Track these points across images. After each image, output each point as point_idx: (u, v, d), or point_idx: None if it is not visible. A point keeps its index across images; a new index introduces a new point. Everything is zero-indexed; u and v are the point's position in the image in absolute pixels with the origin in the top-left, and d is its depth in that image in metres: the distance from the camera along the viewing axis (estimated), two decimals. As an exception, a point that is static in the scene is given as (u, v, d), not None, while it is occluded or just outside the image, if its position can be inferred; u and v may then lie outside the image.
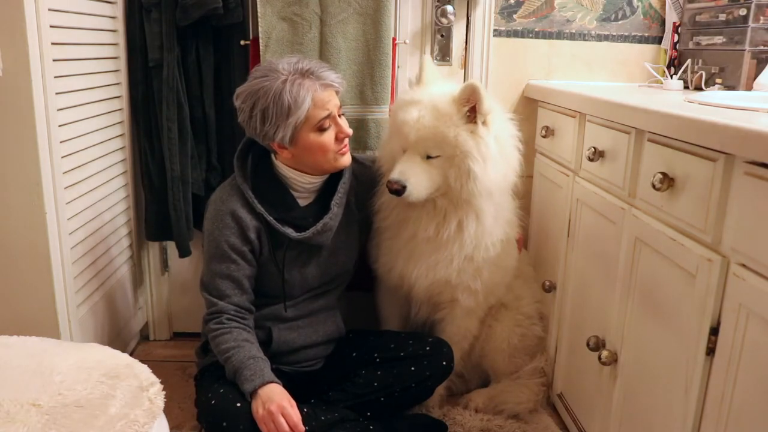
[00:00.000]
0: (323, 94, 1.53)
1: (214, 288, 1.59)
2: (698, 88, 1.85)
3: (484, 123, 1.58)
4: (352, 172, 1.72)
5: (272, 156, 1.64)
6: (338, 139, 1.58)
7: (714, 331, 1.09)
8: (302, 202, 1.65)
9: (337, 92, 1.60)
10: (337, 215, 1.65)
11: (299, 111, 1.50)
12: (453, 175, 1.60)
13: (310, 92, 1.51)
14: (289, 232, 1.59)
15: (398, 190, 1.59)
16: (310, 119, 1.53)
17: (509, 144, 1.67)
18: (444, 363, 1.70)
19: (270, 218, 1.58)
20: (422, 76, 1.68)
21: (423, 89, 1.65)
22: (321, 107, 1.53)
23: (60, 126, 1.57)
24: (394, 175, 1.60)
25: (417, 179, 1.60)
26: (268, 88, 1.50)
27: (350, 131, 1.61)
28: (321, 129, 1.55)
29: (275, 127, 1.51)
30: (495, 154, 1.60)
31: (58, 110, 1.55)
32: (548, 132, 1.97)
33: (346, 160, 1.62)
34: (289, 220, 1.61)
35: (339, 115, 1.59)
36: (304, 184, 1.63)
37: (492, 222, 1.70)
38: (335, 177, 1.67)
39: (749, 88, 1.72)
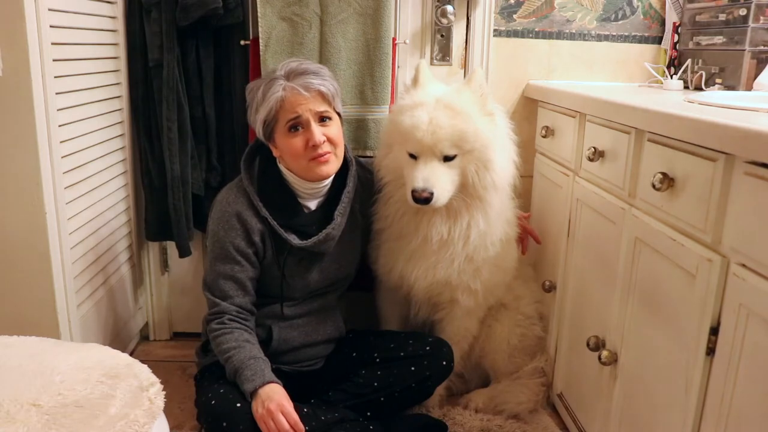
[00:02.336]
0: (294, 97, 1.53)
1: (217, 288, 1.59)
2: (698, 88, 1.85)
3: (490, 111, 1.62)
4: (358, 178, 1.72)
5: (277, 160, 1.64)
6: (308, 146, 1.54)
7: (714, 331, 1.09)
8: (306, 209, 1.65)
9: (324, 98, 1.56)
10: (341, 225, 1.64)
11: (263, 108, 1.54)
12: (472, 169, 1.59)
13: (280, 92, 1.52)
14: (293, 239, 1.59)
15: (427, 198, 1.54)
16: (280, 119, 1.55)
17: (507, 131, 1.68)
18: (444, 363, 1.70)
19: (274, 223, 1.58)
20: (418, 79, 1.66)
21: (420, 92, 1.63)
22: (289, 109, 1.53)
23: (60, 126, 1.57)
24: (418, 183, 1.55)
25: (441, 183, 1.56)
26: (257, 85, 1.58)
27: (320, 140, 1.54)
28: (290, 131, 1.55)
29: (254, 122, 1.59)
30: (504, 140, 1.65)
31: (58, 110, 1.55)
32: (548, 132, 1.97)
33: (325, 169, 1.57)
34: (293, 226, 1.61)
35: (321, 121, 1.56)
36: (306, 189, 1.63)
37: (495, 218, 1.70)
38: (341, 183, 1.67)
39: (749, 88, 1.72)
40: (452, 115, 1.56)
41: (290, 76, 1.55)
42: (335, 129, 1.59)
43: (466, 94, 1.61)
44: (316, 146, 1.54)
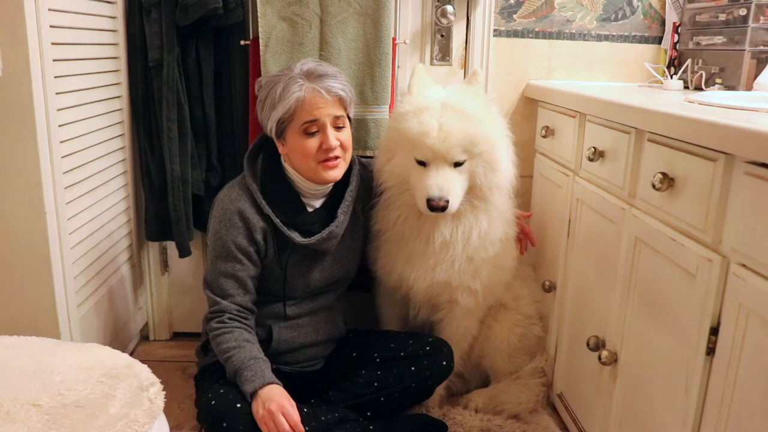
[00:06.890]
0: (314, 99, 1.53)
1: (218, 287, 1.59)
2: (698, 88, 1.85)
3: (492, 111, 1.63)
4: (361, 179, 1.72)
5: (281, 158, 1.64)
6: (321, 149, 1.55)
7: (714, 331, 1.09)
8: (310, 207, 1.65)
9: (342, 103, 1.58)
10: (344, 223, 1.65)
11: (281, 106, 1.53)
12: (480, 171, 1.59)
13: (300, 93, 1.52)
14: (295, 236, 1.59)
15: (444, 206, 1.53)
16: (296, 120, 1.54)
17: (506, 129, 1.68)
18: (444, 363, 1.70)
19: (277, 221, 1.58)
20: (416, 83, 1.64)
21: (421, 96, 1.61)
22: (307, 111, 1.53)
23: (60, 126, 1.57)
24: (434, 192, 1.53)
25: (455, 190, 1.56)
26: (273, 81, 1.57)
27: (335, 145, 1.55)
28: (306, 133, 1.55)
29: (266, 118, 1.58)
30: (505, 139, 1.65)
31: (58, 110, 1.55)
32: (548, 132, 1.97)
33: (333, 174, 1.58)
34: (295, 224, 1.61)
35: (337, 127, 1.57)
36: (309, 189, 1.63)
37: (497, 218, 1.70)
38: (343, 183, 1.67)
39: (749, 88, 1.72)
40: (462, 119, 1.54)
41: (310, 77, 1.55)
42: (347, 134, 1.60)
43: (471, 95, 1.60)
44: (328, 150, 1.55)
